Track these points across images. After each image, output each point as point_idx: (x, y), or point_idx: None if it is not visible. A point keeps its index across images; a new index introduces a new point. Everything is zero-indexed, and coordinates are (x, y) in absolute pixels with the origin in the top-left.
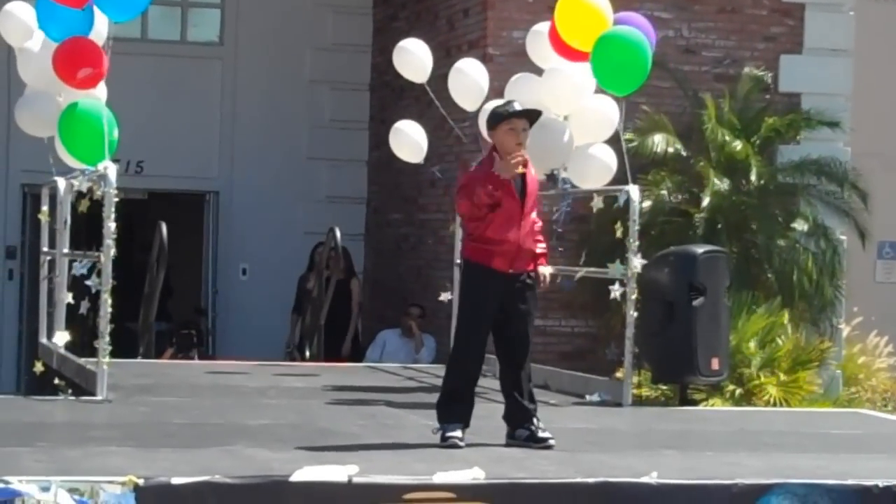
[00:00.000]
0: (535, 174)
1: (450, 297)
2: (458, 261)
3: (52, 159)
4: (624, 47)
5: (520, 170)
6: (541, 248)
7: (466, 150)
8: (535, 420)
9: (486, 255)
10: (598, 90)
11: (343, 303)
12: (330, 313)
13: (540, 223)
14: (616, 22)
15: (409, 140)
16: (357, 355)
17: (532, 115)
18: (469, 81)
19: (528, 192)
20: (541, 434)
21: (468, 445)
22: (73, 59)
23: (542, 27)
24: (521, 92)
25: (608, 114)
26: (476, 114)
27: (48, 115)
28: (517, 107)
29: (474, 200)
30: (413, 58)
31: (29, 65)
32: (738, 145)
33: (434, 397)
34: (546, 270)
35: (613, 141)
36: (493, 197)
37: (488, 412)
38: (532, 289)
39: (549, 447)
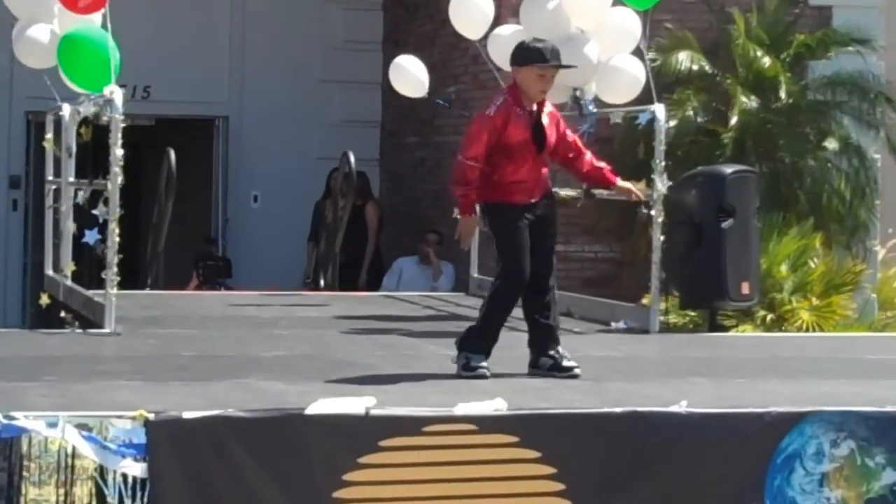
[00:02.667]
0: (546, 105)
1: None
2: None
3: (54, 88)
4: None
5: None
6: (605, 167)
7: (483, 70)
8: (559, 348)
9: (503, 192)
10: (617, 3)
11: (360, 230)
12: (347, 240)
13: (574, 141)
14: None
15: (410, 76)
16: (374, 284)
17: (565, 68)
18: (471, 7)
19: (547, 131)
20: (566, 363)
21: (489, 376)
22: None
23: None
24: (541, 7)
25: (630, 28)
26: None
27: (46, 45)
28: (556, 56)
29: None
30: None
31: None
32: (767, 62)
33: (454, 326)
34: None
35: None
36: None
37: (510, 342)
38: (553, 208)
39: (575, 376)
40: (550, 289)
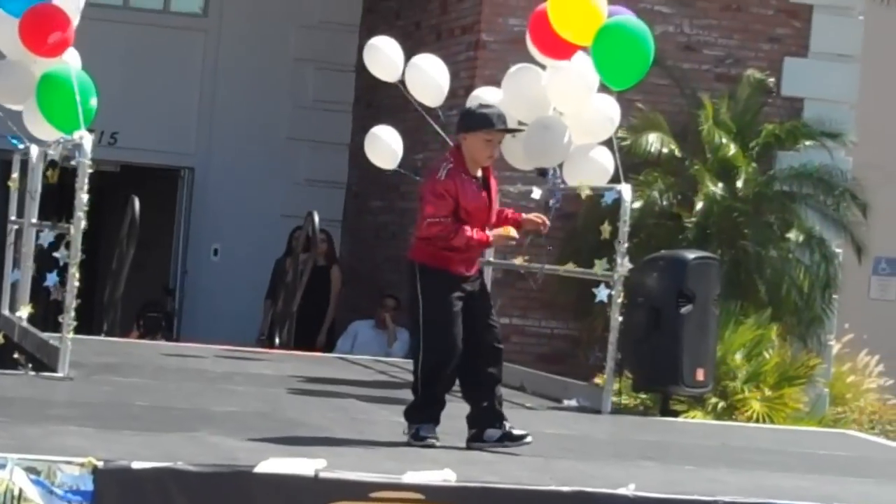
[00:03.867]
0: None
1: None
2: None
3: (20, 132)
4: (628, 38)
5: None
6: (508, 210)
7: (453, 138)
8: (505, 421)
9: (446, 260)
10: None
11: (320, 290)
12: (305, 300)
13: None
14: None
15: (386, 147)
16: (331, 346)
17: (514, 134)
18: (427, 79)
19: (493, 196)
20: (516, 432)
21: (439, 446)
22: (41, 26)
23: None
24: (522, 85)
25: (611, 114)
26: (455, 107)
27: (24, 85)
28: (503, 121)
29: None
30: (383, 56)
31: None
32: (732, 149)
33: (407, 393)
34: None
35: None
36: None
37: (459, 411)
38: (483, 283)
39: (527, 444)
40: (495, 374)
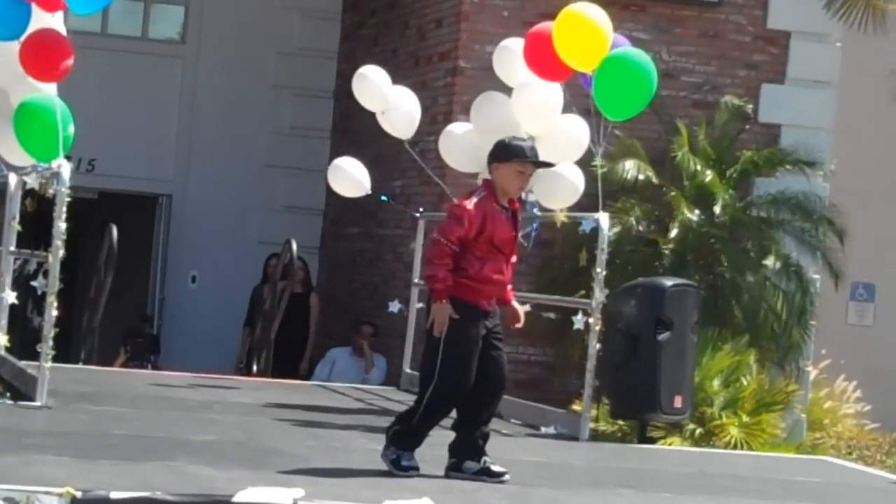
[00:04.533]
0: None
1: (399, 307)
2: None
3: None
4: (633, 71)
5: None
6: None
7: (430, 167)
8: (486, 456)
9: (474, 293)
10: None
11: (299, 318)
12: (283, 328)
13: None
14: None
15: (349, 177)
16: (310, 373)
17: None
18: (401, 112)
19: (517, 230)
20: (495, 468)
21: (417, 475)
22: (51, 52)
23: (511, 43)
24: (491, 110)
25: (578, 135)
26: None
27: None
28: (535, 153)
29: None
30: (372, 86)
31: None
32: (709, 175)
33: (385, 420)
34: (521, 308)
35: (581, 164)
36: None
37: (440, 439)
38: (498, 316)
39: (504, 482)
40: (492, 412)
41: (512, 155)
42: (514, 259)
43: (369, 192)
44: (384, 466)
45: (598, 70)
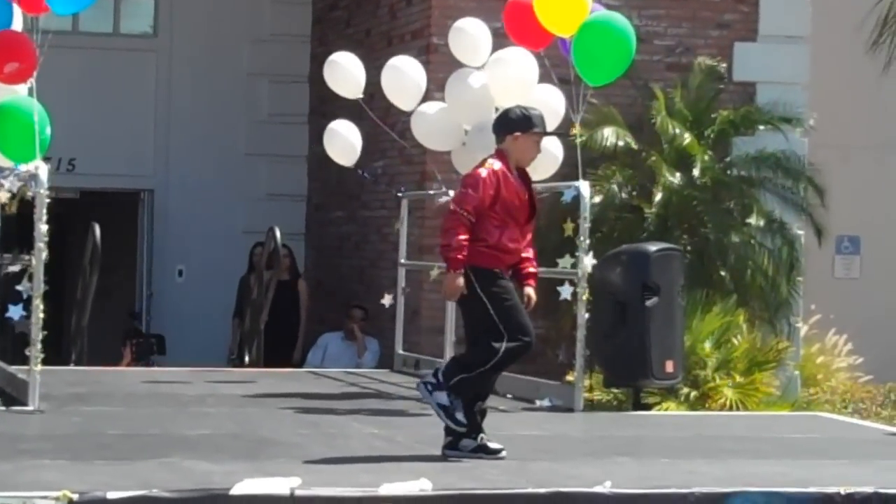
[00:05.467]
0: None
1: (392, 302)
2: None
3: None
4: (612, 35)
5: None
6: (531, 268)
7: (412, 145)
8: (483, 430)
9: (493, 259)
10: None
11: (287, 306)
12: (272, 317)
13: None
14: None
15: (343, 141)
16: (303, 360)
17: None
18: (406, 80)
19: (534, 197)
20: (492, 445)
21: (413, 457)
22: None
23: (465, 23)
24: (465, 86)
25: (555, 106)
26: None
27: None
28: (544, 123)
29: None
30: (345, 72)
31: None
32: (687, 138)
33: (379, 403)
34: (533, 294)
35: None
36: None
37: (434, 418)
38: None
39: (501, 458)
40: (494, 387)
41: (531, 125)
42: (531, 226)
43: (354, 164)
44: (380, 451)
45: (577, 35)
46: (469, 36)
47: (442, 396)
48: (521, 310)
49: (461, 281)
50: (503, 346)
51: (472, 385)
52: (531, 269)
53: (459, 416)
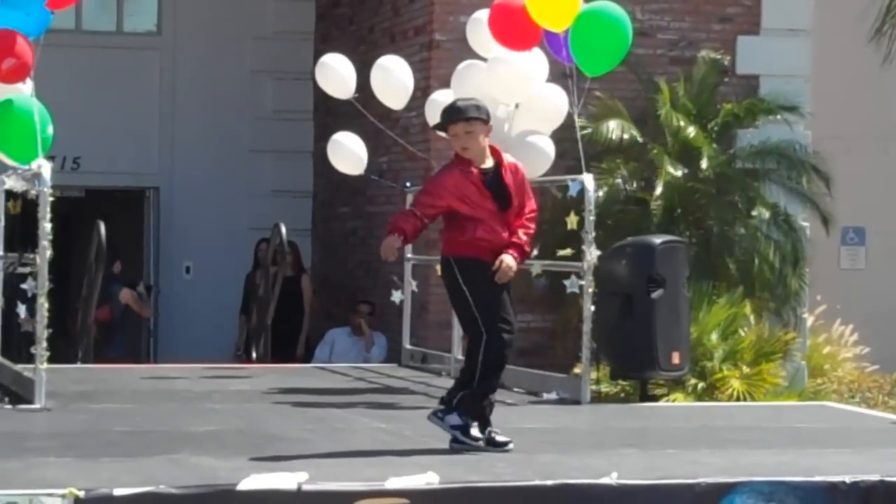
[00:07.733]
0: (510, 163)
1: (402, 298)
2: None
3: None
4: (608, 24)
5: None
6: (515, 240)
7: (414, 141)
8: (490, 423)
9: (472, 248)
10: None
11: (293, 301)
12: (279, 313)
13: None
14: None
15: (349, 153)
16: (310, 356)
17: (469, 116)
18: (394, 79)
19: (507, 186)
20: (499, 438)
21: (421, 450)
22: None
23: (483, 14)
24: (467, 81)
25: (557, 103)
26: (414, 109)
27: None
28: (457, 112)
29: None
30: (335, 74)
31: None
32: (692, 131)
33: (387, 398)
34: (509, 261)
35: (566, 127)
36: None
37: None
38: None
39: (508, 451)
40: (500, 375)
41: (444, 119)
42: (514, 211)
43: (364, 171)
44: (387, 445)
45: (574, 26)
46: (486, 28)
47: (453, 418)
48: (502, 302)
49: (398, 242)
50: (482, 347)
51: (475, 398)
52: (514, 241)
53: (474, 431)
